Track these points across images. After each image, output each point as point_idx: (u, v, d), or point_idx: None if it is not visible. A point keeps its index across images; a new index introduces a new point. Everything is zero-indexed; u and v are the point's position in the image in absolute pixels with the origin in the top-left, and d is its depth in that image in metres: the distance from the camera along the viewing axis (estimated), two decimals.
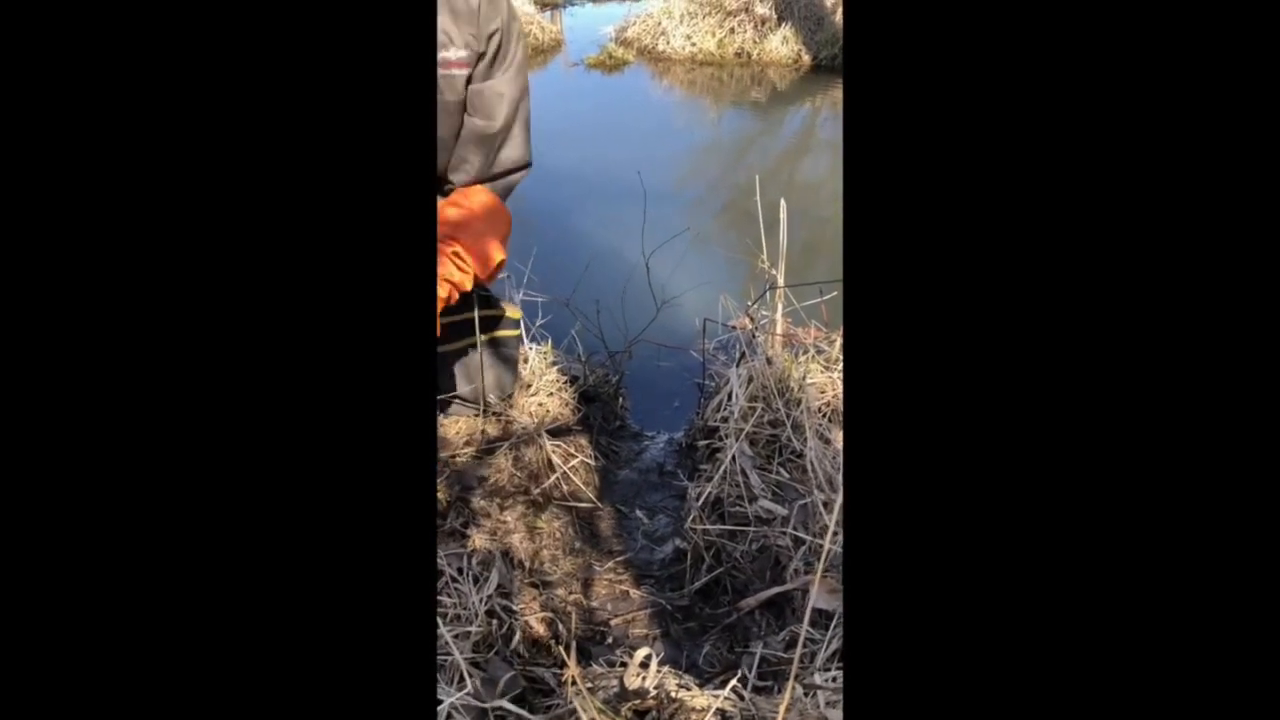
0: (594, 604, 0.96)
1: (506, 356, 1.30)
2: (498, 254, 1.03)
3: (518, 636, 0.75)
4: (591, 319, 1.59)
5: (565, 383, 1.47)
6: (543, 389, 1.44)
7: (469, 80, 0.98)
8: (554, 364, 1.52)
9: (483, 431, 1.27)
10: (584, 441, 1.34)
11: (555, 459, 1.24)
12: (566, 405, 1.41)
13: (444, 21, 0.92)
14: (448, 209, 1.02)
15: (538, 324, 1.58)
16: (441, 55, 0.94)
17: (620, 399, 1.54)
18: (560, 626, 0.83)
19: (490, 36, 0.95)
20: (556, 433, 1.32)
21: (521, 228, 1.56)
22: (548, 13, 7.42)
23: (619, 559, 1.06)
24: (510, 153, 1.06)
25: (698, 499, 1.06)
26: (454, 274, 0.98)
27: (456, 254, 0.99)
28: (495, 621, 0.76)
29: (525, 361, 1.51)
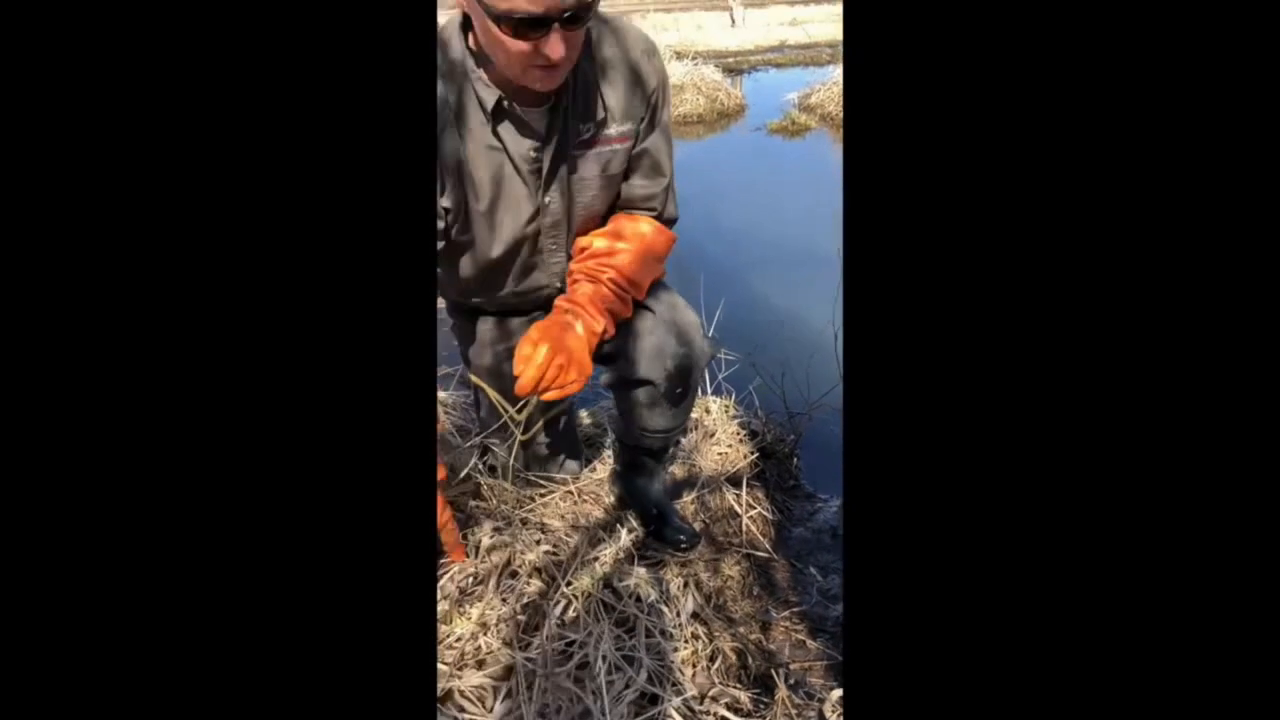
0: (773, 646, 1.03)
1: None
2: (652, 274, 1.03)
3: (719, 661, 0.85)
4: (773, 378, 1.69)
5: (745, 436, 1.57)
6: (723, 439, 1.55)
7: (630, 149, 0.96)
8: (734, 417, 1.63)
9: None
10: (760, 495, 1.43)
11: (736, 507, 1.34)
12: (745, 459, 1.51)
13: (608, 98, 0.91)
14: (595, 242, 1.00)
15: (721, 376, 1.71)
16: (604, 133, 0.92)
17: (795, 459, 1.61)
18: (750, 659, 0.91)
19: (649, 97, 0.93)
20: (735, 482, 1.41)
21: (703, 284, 1.71)
22: (730, 78, 7.77)
23: (795, 609, 1.13)
24: (673, 200, 1.06)
25: None
26: (610, 300, 0.97)
27: (613, 280, 0.98)
28: (699, 642, 0.86)
29: (707, 412, 1.64)
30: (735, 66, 8.78)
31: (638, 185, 1.00)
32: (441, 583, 0.87)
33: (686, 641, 0.85)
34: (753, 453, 1.52)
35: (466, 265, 1.02)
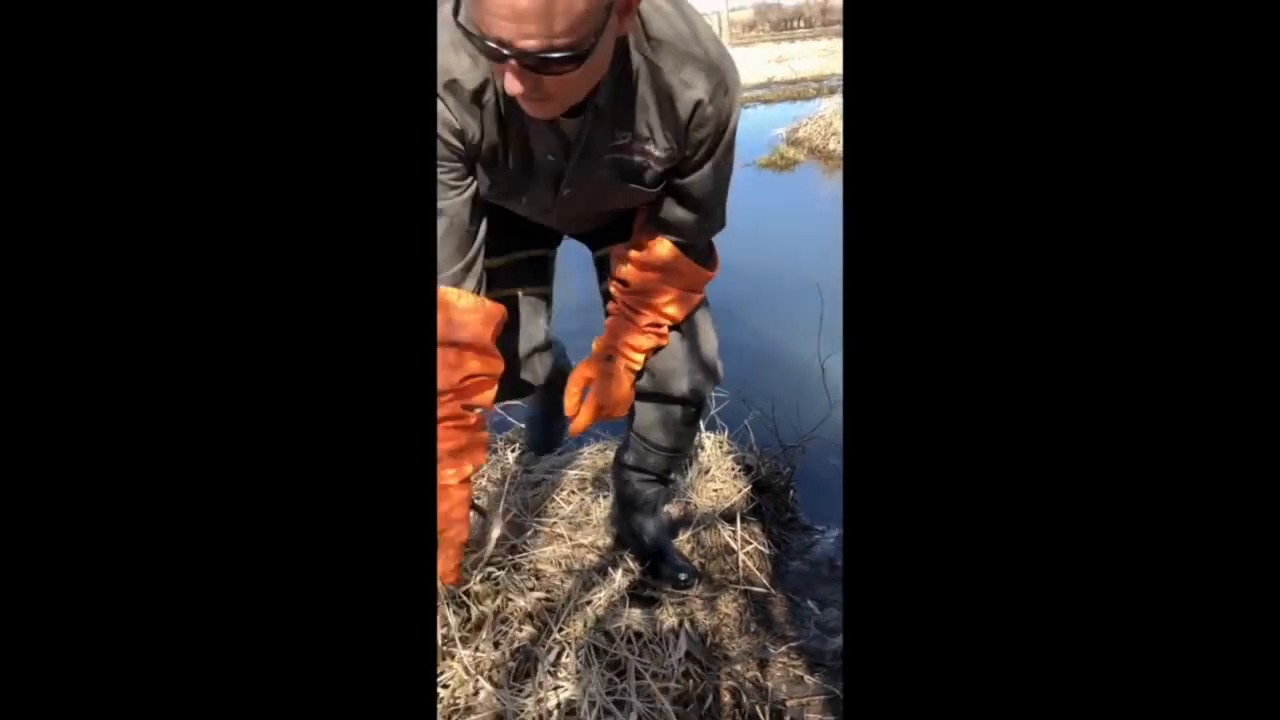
0: (770, 684, 1.03)
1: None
2: (688, 304, 1.03)
3: (710, 699, 0.85)
4: (765, 412, 1.71)
5: (740, 471, 1.58)
6: (718, 475, 1.56)
7: (672, 172, 0.93)
8: (729, 453, 1.64)
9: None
10: (757, 530, 1.44)
11: (732, 543, 1.34)
12: (739, 493, 1.51)
13: (647, 119, 0.87)
14: (634, 274, 1.00)
15: (714, 411, 1.72)
16: (636, 144, 0.88)
17: (791, 492, 1.61)
18: (744, 698, 0.91)
19: (700, 143, 0.89)
20: (730, 518, 1.42)
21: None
22: None
23: (792, 644, 1.13)
24: (708, 231, 1.02)
25: None
26: (656, 343, 1.02)
27: (654, 326, 1.01)
28: (690, 682, 0.87)
29: (702, 448, 1.65)
30: None
31: (673, 209, 0.96)
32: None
33: (678, 682, 0.85)
34: (748, 487, 1.53)
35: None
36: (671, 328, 1.06)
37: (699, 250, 1.02)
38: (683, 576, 1.19)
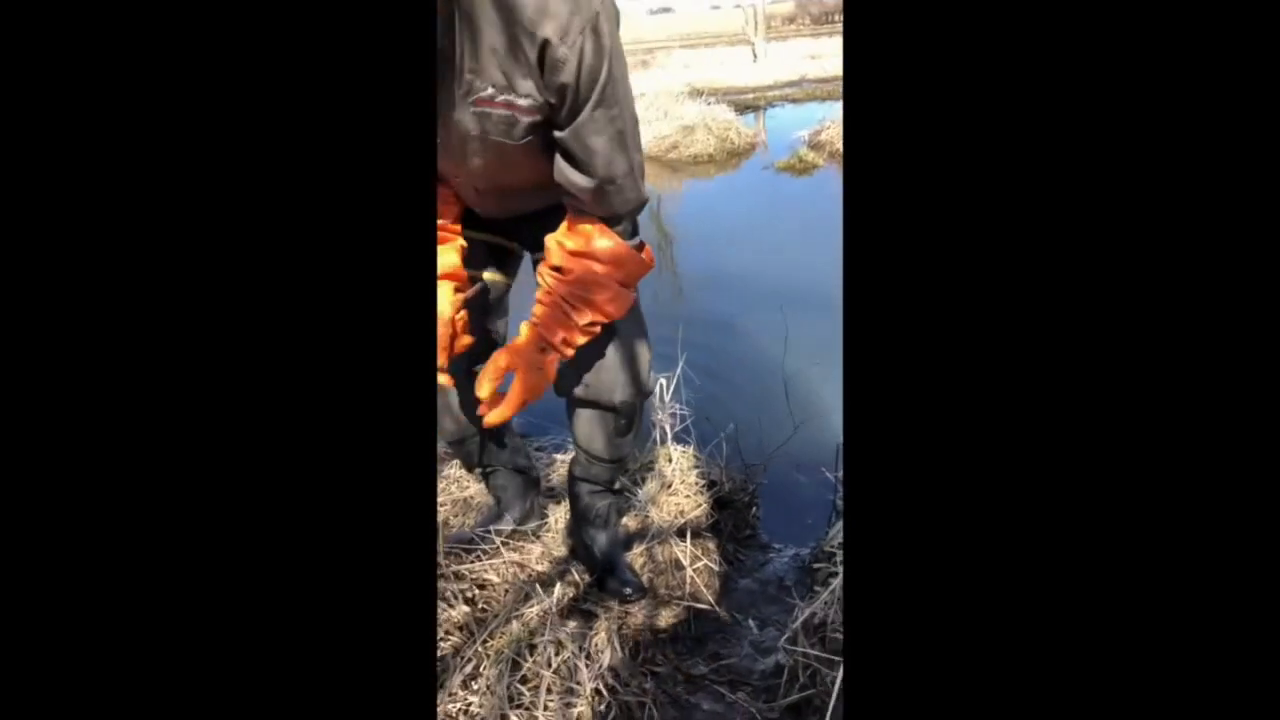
0: (693, 699, 1.08)
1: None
2: (627, 302, 0.98)
3: (614, 712, 0.90)
4: (740, 424, 1.74)
5: (704, 486, 1.62)
6: (681, 490, 1.61)
7: (548, 126, 0.86)
8: (695, 467, 1.68)
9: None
10: (712, 546, 1.47)
11: (683, 559, 1.39)
12: (700, 508, 1.56)
13: (504, 64, 0.80)
14: (571, 262, 0.93)
15: (685, 423, 1.77)
16: (502, 96, 0.82)
17: (754, 508, 1.65)
18: (655, 714, 0.96)
19: (563, 91, 0.81)
20: (687, 533, 1.46)
21: (688, 327, 1.78)
22: (748, 115, 7.91)
23: (723, 662, 1.17)
24: (620, 199, 0.91)
25: (801, 620, 1.15)
26: (586, 338, 0.98)
27: (591, 324, 0.96)
28: (598, 698, 0.92)
29: (670, 461, 1.69)
30: (754, 103, 8.93)
31: (564, 170, 0.89)
32: None
33: (587, 699, 0.91)
34: (709, 503, 1.57)
35: None
36: (611, 333, 1.05)
37: (623, 228, 0.95)
38: (628, 591, 1.24)
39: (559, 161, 0.89)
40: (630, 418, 1.16)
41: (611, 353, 1.08)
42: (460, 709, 0.85)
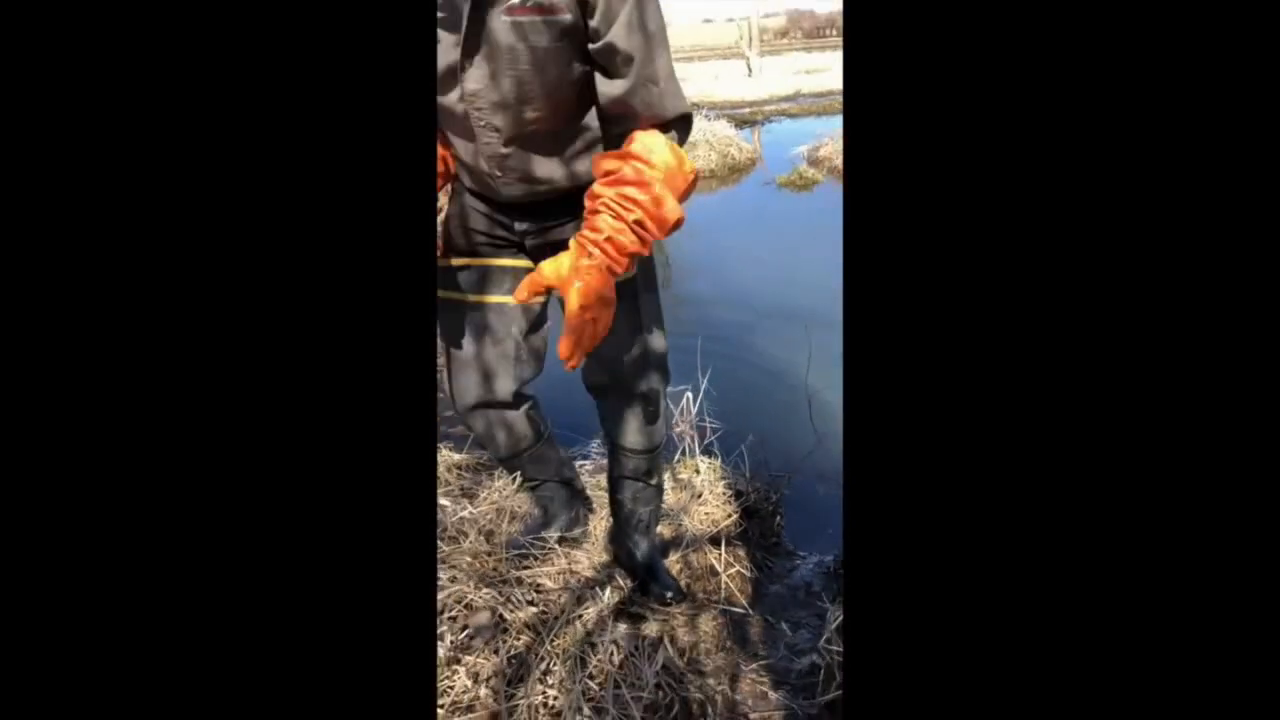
0: (738, 697, 1.16)
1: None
2: (675, 215, 0.90)
3: (676, 708, 0.98)
4: (761, 439, 1.83)
5: (731, 496, 1.70)
6: (710, 500, 1.69)
7: (580, 38, 0.87)
8: (722, 478, 1.76)
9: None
10: (742, 553, 1.56)
11: (717, 565, 1.47)
12: (729, 518, 1.64)
13: None
14: (624, 168, 0.88)
15: (714, 437, 1.85)
16: (533, 3, 0.84)
17: (778, 518, 1.73)
18: (710, 710, 1.04)
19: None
20: (718, 541, 1.54)
21: (703, 347, 1.87)
22: (745, 130, 8.03)
23: (762, 663, 1.25)
24: (663, 101, 0.91)
25: (836, 624, 1.23)
26: (633, 244, 0.88)
27: (639, 223, 0.88)
28: (660, 693, 0.99)
29: (697, 473, 1.77)
30: (750, 117, 9.07)
31: (606, 85, 0.90)
32: (440, 632, 1.01)
33: (651, 693, 0.98)
34: (737, 512, 1.65)
35: None
36: (635, 319, 1.10)
37: (672, 136, 0.93)
38: (668, 595, 1.32)
39: (597, 80, 0.91)
40: (656, 404, 1.21)
41: (634, 341, 1.13)
42: (541, 701, 0.93)
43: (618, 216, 0.88)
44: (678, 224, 0.90)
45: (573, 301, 0.86)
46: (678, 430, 1.85)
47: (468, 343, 1.16)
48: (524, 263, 1.14)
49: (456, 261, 1.14)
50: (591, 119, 0.99)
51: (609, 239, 0.87)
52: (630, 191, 0.87)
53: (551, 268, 0.89)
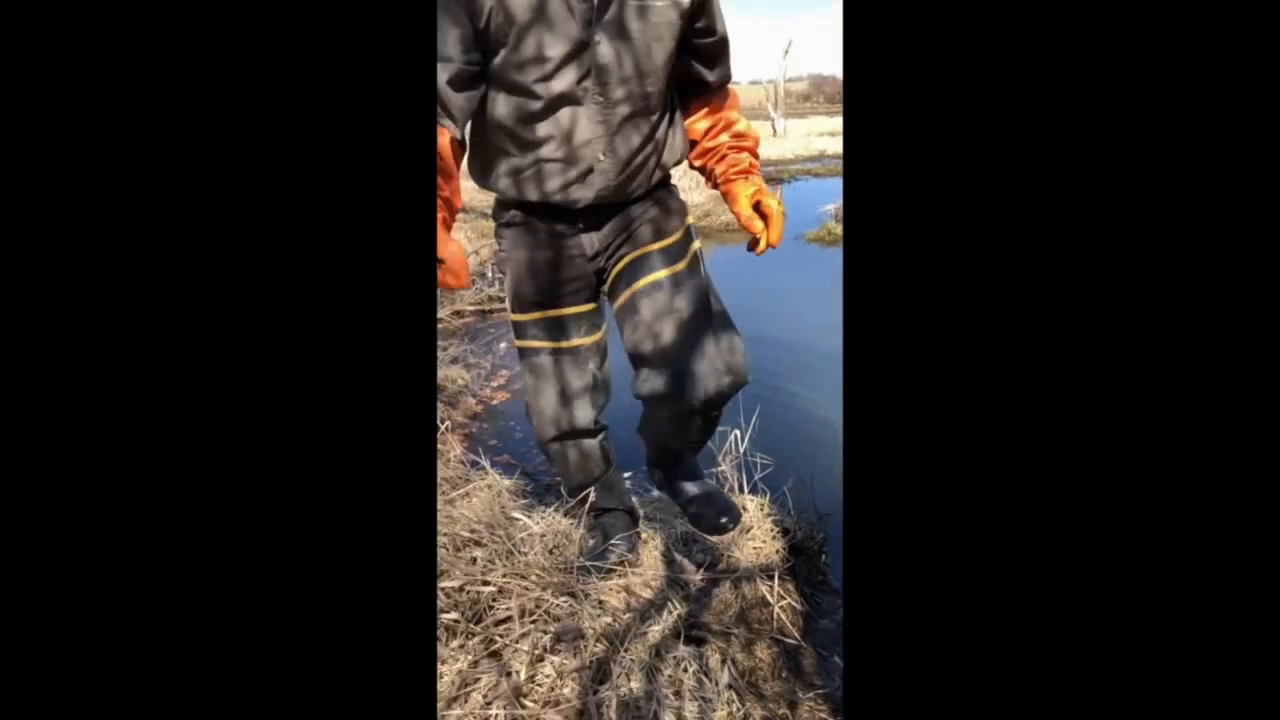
0: None
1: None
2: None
3: None
4: (806, 476, 1.87)
5: (779, 532, 1.73)
6: (759, 534, 1.72)
7: (686, 22, 1.04)
8: (769, 515, 1.80)
9: (710, 564, 1.57)
10: (791, 587, 1.58)
11: (769, 596, 1.49)
12: (778, 553, 1.67)
13: None
14: (748, 128, 1.23)
15: (758, 477, 1.89)
16: None
17: (824, 556, 1.76)
18: None
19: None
20: (769, 574, 1.57)
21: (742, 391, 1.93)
22: (772, 187, 8.22)
23: (819, 691, 1.27)
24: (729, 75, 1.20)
25: None
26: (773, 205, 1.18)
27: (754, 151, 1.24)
28: (733, 707, 1.02)
29: (745, 510, 1.81)
30: (776, 176, 9.32)
31: (702, 72, 1.16)
32: (520, 635, 1.05)
33: (724, 705, 1.01)
34: (784, 548, 1.68)
35: (500, 134, 1.06)
36: (704, 325, 1.19)
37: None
38: (725, 521, 1.38)
39: (695, 69, 1.14)
40: (708, 409, 1.22)
41: (701, 348, 1.18)
42: (623, 700, 0.96)
43: (751, 165, 1.22)
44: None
45: (776, 207, 1.18)
46: (720, 469, 1.90)
47: (550, 382, 1.25)
48: (590, 307, 1.26)
49: (530, 316, 1.23)
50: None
51: (751, 164, 1.21)
52: (748, 144, 1.23)
53: (748, 206, 1.20)
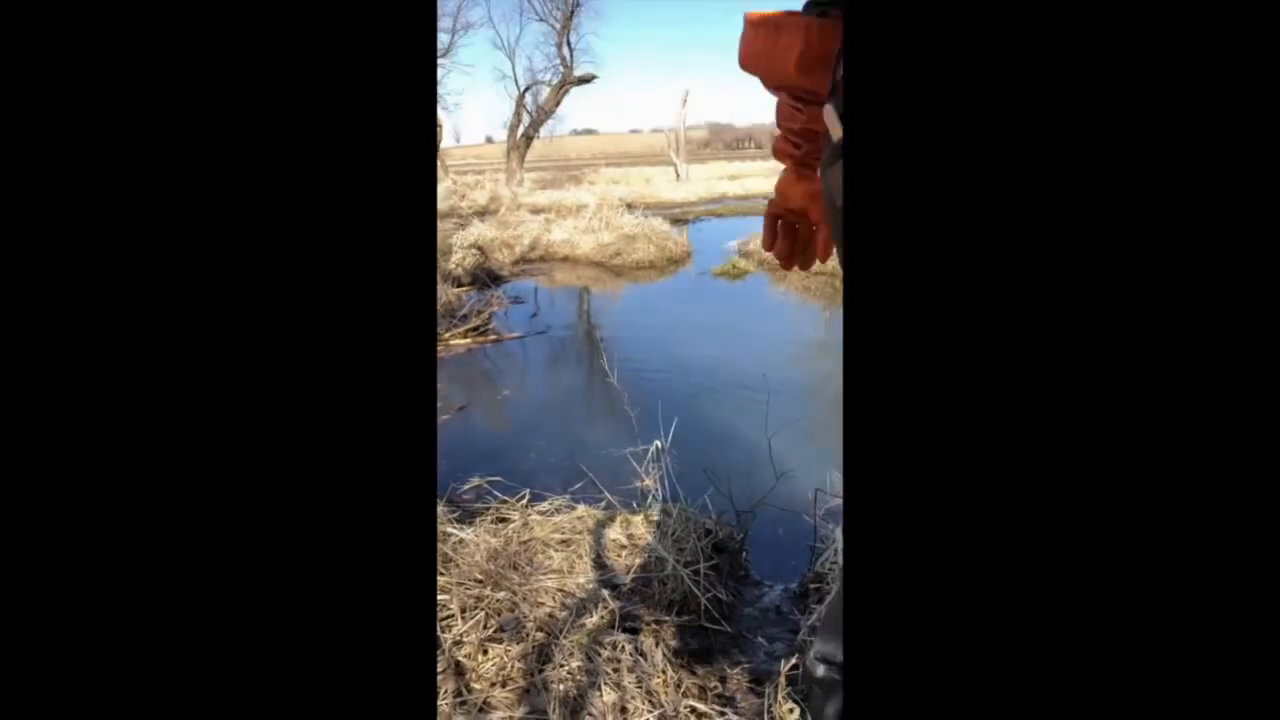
0: (727, 693, 1.28)
1: None
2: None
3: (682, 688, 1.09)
4: (721, 484, 2.00)
5: (702, 533, 1.85)
6: (684, 537, 1.83)
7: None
8: (690, 518, 1.91)
9: (640, 566, 1.66)
10: (715, 582, 1.69)
11: (695, 591, 1.60)
12: (702, 552, 1.78)
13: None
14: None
15: (677, 484, 2.01)
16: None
17: (745, 552, 1.88)
18: (708, 695, 1.15)
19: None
20: (696, 571, 1.68)
21: (661, 410, 2.06)
22: (678, 227, 8.59)
23: (745, 666, 1.38)
24: None
25: (810, 622, 1.38)
26: None
27: None
28: (669, 675, 1.11)
29: (670, 516, 1.92)
30: (681, 216, 9.72)
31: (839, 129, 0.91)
32: (464, 628, 1.10)
33: (660, 674, 1.10)
34: (709, 547, 1.79)
35: None
36: None
37: None
38: None
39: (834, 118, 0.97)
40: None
41: None
42: (567, 673, 1.03)
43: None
44: None
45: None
46: (645, 483, 2.01)
47: None
48: None
49: None
50: None
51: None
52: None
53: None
